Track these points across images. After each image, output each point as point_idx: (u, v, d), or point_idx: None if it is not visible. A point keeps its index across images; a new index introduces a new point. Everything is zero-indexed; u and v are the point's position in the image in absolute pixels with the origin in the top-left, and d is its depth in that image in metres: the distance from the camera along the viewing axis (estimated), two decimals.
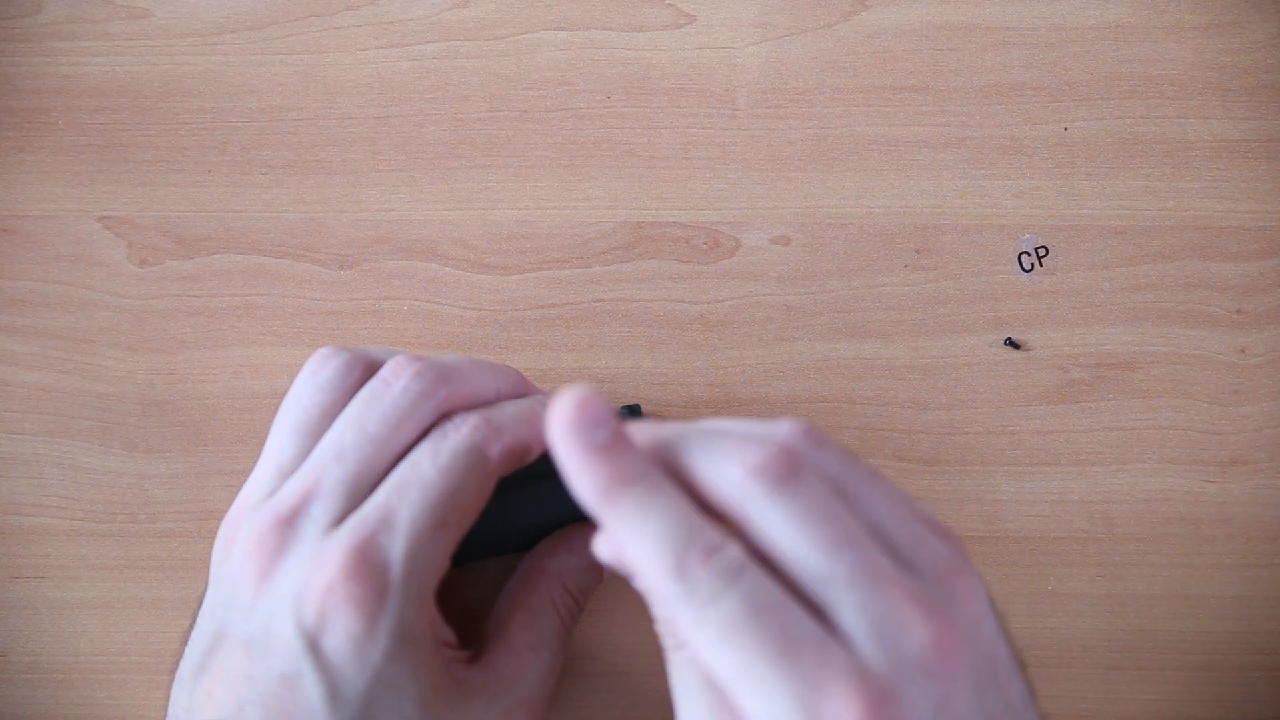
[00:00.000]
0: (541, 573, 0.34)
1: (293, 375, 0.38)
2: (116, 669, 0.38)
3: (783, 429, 0.26)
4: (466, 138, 0.38)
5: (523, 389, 0.34)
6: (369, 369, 0.32)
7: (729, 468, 0.25)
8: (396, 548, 0.29)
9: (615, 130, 0.38)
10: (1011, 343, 0.38)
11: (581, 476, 0.25)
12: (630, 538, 0.24)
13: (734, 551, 0.24)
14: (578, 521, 0.35)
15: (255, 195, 0.39)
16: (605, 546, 0.26)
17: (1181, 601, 0.38)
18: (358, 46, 0.39)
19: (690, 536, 0.24)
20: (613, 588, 0.38)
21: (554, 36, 0.38)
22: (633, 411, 0.37)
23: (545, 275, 0.38)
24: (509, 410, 0.32)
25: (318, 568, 0.28)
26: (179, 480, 0.38)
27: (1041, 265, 0.38)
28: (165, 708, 0.31)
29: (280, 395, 0.38)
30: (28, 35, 0.39)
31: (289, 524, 0.29)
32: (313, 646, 0.28)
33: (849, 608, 0.24)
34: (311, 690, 0.28)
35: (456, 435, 0.31)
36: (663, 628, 0.26)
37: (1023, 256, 0.38)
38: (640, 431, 0.26)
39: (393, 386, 0.31)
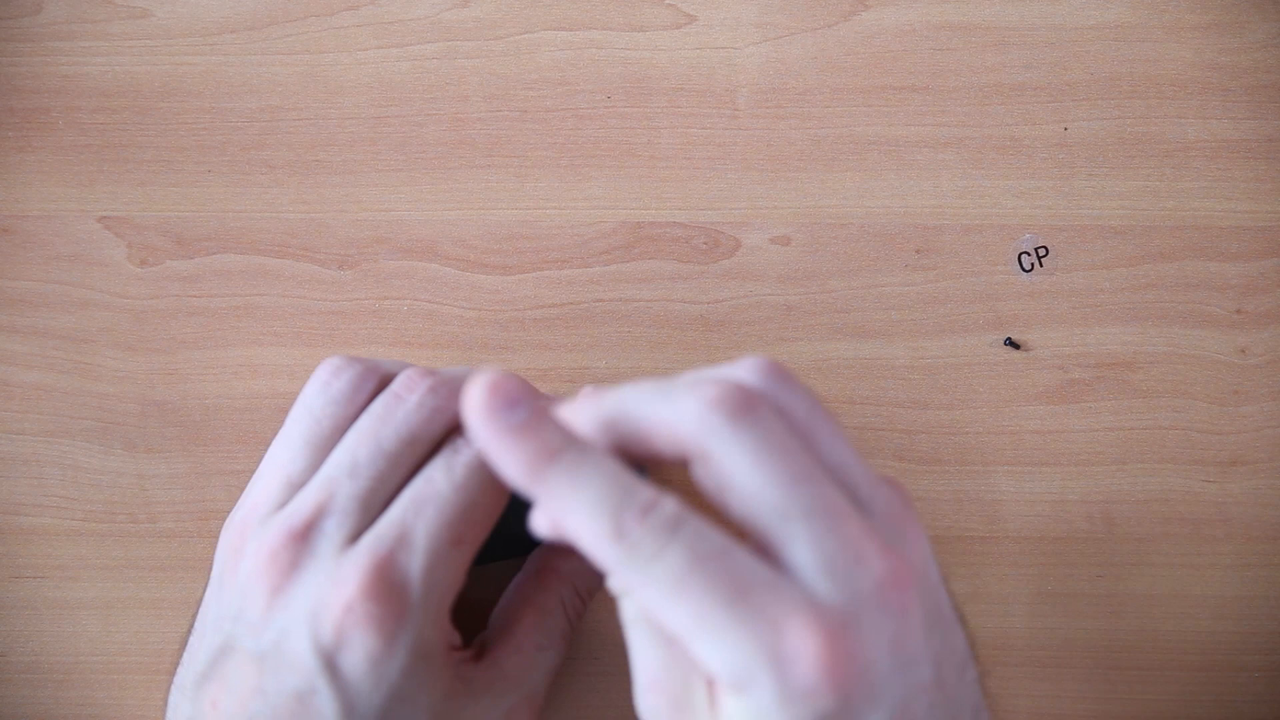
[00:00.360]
0: (554, 573, 0.34)
1: (293, 375, 0.38)
2: (116, 669, 0.38)
3: (745, 364, 0.26)
4: (466, 138, 0.38)
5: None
6: (382, 382, 0.32)
7: (687, 404, 0.25)
8: (415, 566, 0.29)
9: (615, 130, 0.38)
10: (1011, 343, 0.38)
11: (504, 458, 0.25)
12: (564, 509, 0.24)
13: (670, 505, 0.24)
14: None
15: (255, 195, 0.39)
16: (542, 520, 0.26)
17: (1181, 601, 0.38)
18: (358, 46, 0.39)
19: (624, 497, 0.24)
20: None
21: (554, 36, 0.38)
22: None
23: (545, 275, 0.38)
24: None
25: (336, 586, 0.28)
26: (179, 480, 0.38)
27: (1041, 265, 0.38)
28: (164, 713, 0.31)
29: (280, 395, 0.38)
30: (28, 35, 0.39)
31: (302, 539, 0.29)
32: (329, 664, 0.28)
33: (805, 542, 0.24)
34: (326, 707, 0.28)
35: (470, 450, 0.30)
36: (609, 579, 0.26)
37: (1023, 256, 0.38)
38: (587, 406, 0.27)
39: (406, 401, 0.31)
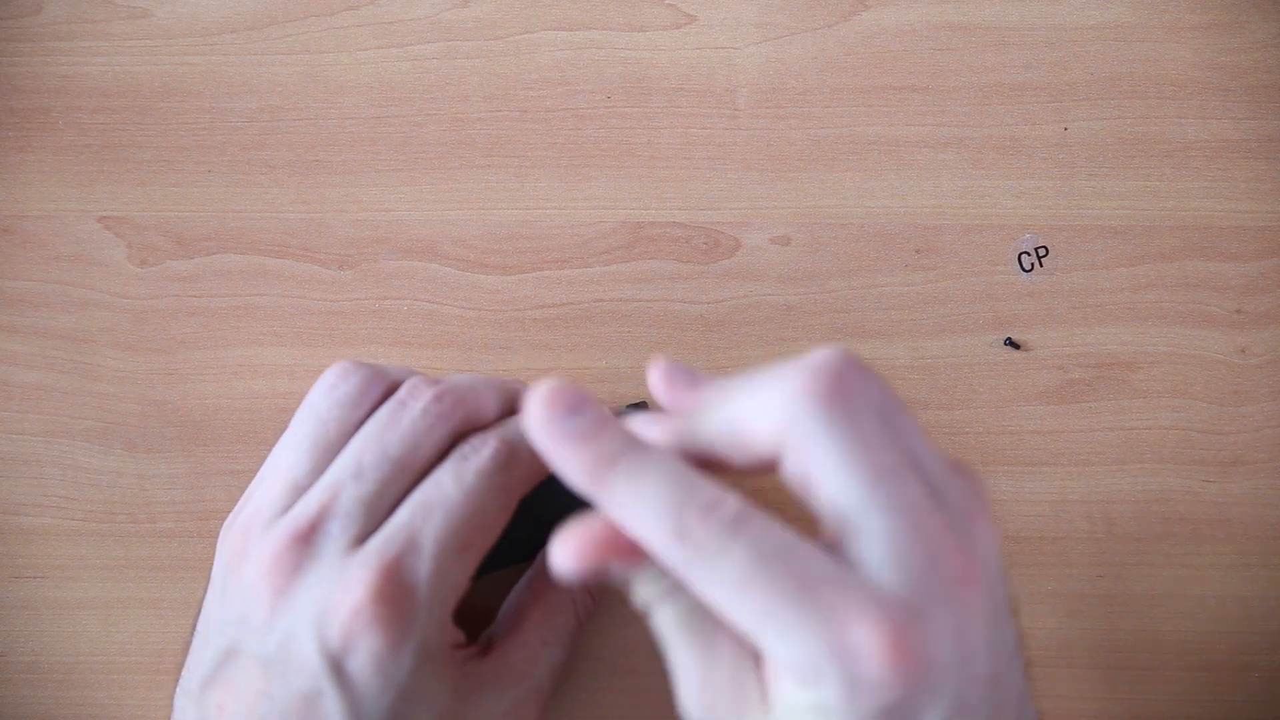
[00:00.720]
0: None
1: (293, 375, 0.38)
2: (116, 669, 0.38)
3: (825, 354, 0.26)
4: (466, 138, 0.38)
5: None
6: (388, 388, 0.32)
7: (775, 393, 0.25)
8: (423, 570, 0.29)
9: (615, 130, 0.38)
10: (1011, 343, 0.38)
11: (568, 466, 0.25)
12: (627, 513, 0.25)
13: (733, 502, 0.24)
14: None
15: (255, 195, 0.39)
16: (565, 559, 0.25)
17: (1181, 601, 0.38)
18: (358, 46, 0.39)
19: (685, 496, 0.24)
20: (611, 588, 0.38)
21: (554, 36, 0.38)
22: (639, 409, 0.36)
23: (545, 275, 0.38)
24: (524, 428, 0.32)
25: (343, 589, 0.28)
26: (179, 480, 0.38)
27: (1041, 265, 0.38)
28: (168, 716, 0.31)
29: (280, 395, 0.38)
30: (28, 35, 0.39)
31: (306, 542, 0.29)
32: (336, 667, 0.28)
33: (881, 535, 0.24)
34: (333, 710, 0.28)
35: (478, 457, 0.31)
36: (641, 585, 0.26)
37: (1023, 256, 0.38)
38: (666, 420, 0.27)
39: (411, 408, 0.31)
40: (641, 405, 0.37)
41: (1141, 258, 0.38)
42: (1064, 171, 0.38)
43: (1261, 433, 0.38)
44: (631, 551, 0.25)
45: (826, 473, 0.24)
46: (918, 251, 0.38)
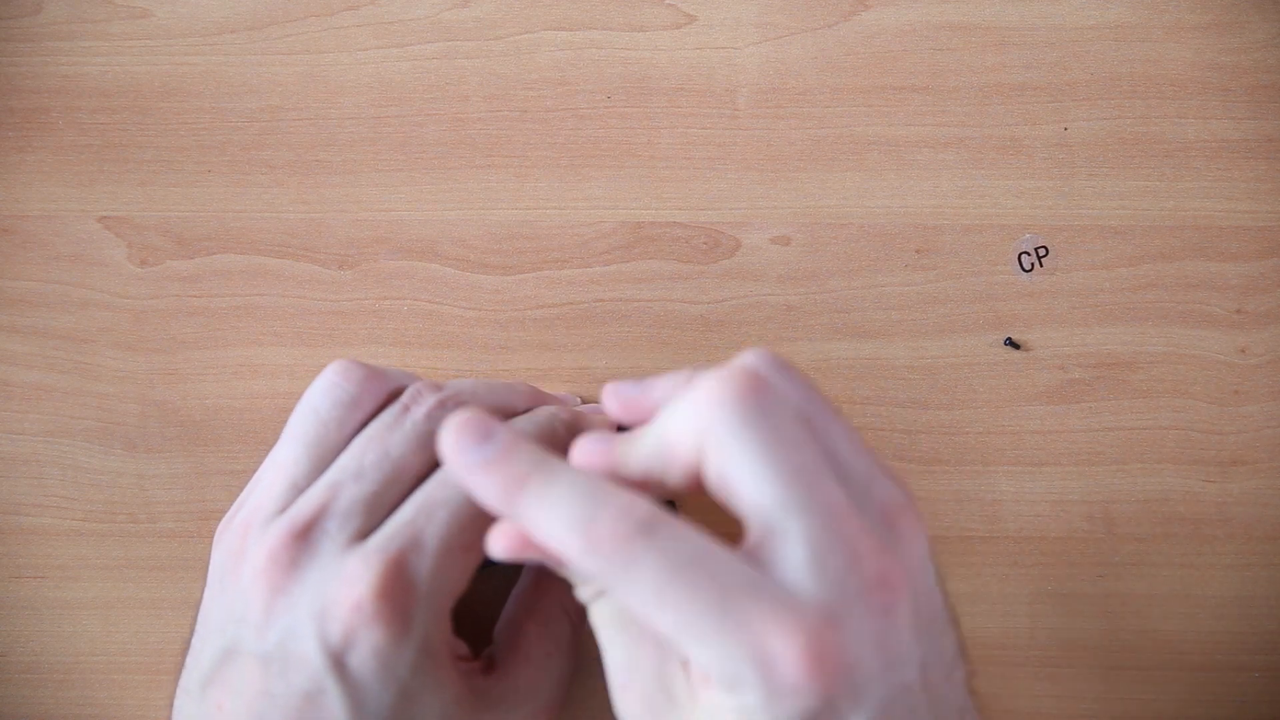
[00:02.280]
0: (552, 578, 0.34)
1: (293, 375, 0.38)
2: (116, 669, 0.38)
3: (744, 357, 0.26)
4: (466, 138, 0.38)
5: (537, 401, 0.34)
6: (390, 391, 0.32)
7: (689, 403, 0.25)
8: (424, 568, 0.29)
9: (615, 130, 0.38)
10: (1011, 343, 0.38)
11: (483, 493, 0.26)
12: (539, 530, 0.25)
13: (641, 508, 0.24)
14: None
15: (255, 195, 0.39)
16: (496, 543, 0.26)
17: (1181, 601, 0.38)
18: (358, 46, 0.39)
19: (594, 508, 0.24)
20: None
21: (554, 36, 0.38)
22: None
23: (545, 275, 0.38)
24: (529, 431, 0.32)
25: (344, 584, 0.28)
26: (179, 480, 0.38)
27: (1041, 265, 0.38)
28: (168, 716, 0.31)
29: (280, 395, 0.38)
30: (28, 35, 0.39)
31: (304, 539, 0.29)
32: (337, 664, 0.28)
33: (798, 538, 0.24)
34: (335, 707, 0.28)
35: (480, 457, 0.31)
36: (577, 586, 0.27)
37: (1023, 256, 0.38)
38: (593, 451, 0.27)
39: (415, 412, 0.31)
40: None
41: (1141, 258, 0.38)
42: (1064, 171, 0.38)
43: (1261, 433, 0.38)
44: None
45: (743, 475, 0.25)
46: (918, 251, 0.38)
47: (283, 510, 0.30)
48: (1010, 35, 0.38)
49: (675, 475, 0.26)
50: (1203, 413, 0.38)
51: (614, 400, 0.30)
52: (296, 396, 0.38)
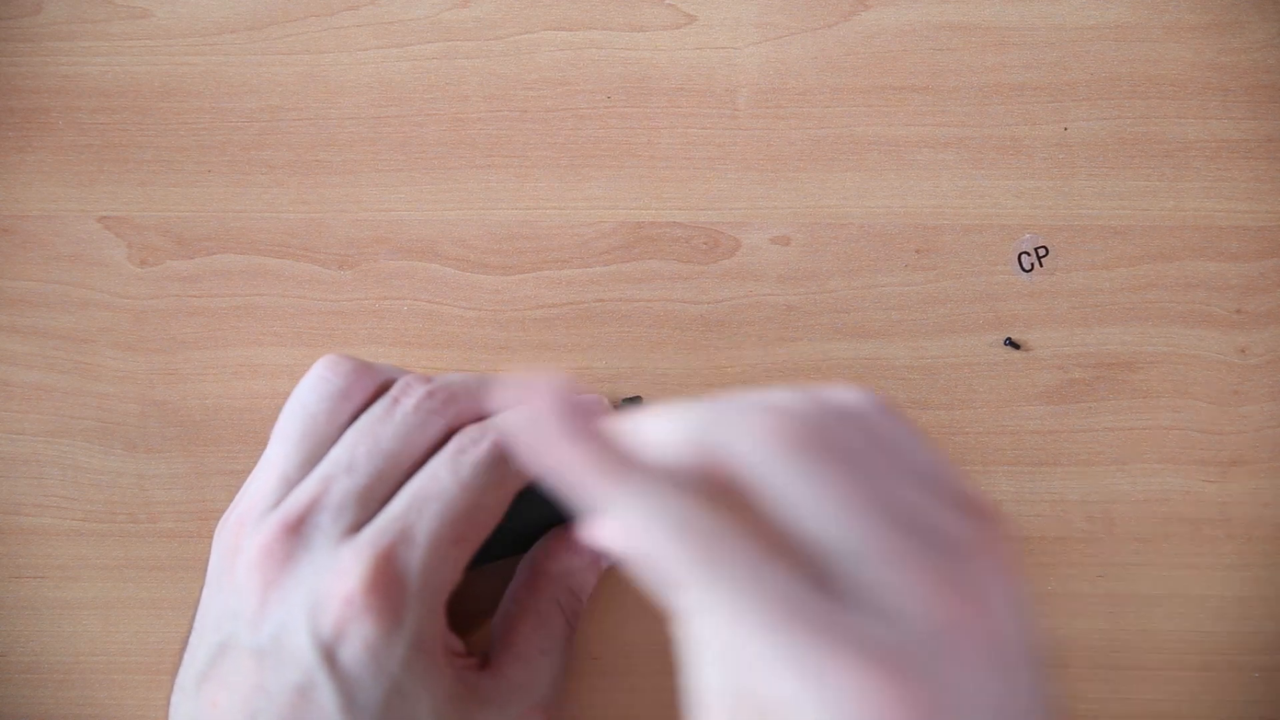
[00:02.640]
0: (545, 575, 0.34)
1: (293, 375, 0.38)
2: (116, 669, 0.38)
3: (826, 392, 0.26)
4: (466, 138, 0.38)
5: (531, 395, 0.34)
6: (380, 384, 0.32)
7: (746, 434, 0.24)
8: (415, 561, 0.29)
9: (615, 130, 0.38)
10: (1011, 343, 0.38)
11: (577, 464, 0.24)
12: (642, 524, 0.24)
13: (745, 537, 0.24)
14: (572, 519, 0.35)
15: (255, 195, 0.39)
16: (611, 533, 0.25)
17: (1181, 601, 0.38)
18: (358, 46, 0.39)
19: (708, 520, 0.24)
20: (612, 587, 0.38)
21: (554, 36, 0.38)
22: (634, 403, 0.37)
23: (545, 275, 0.38)
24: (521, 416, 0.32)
25: (336, 578, 0.28)
26: (179, 480, 0.38)
27: (1041, 265, 0.38)
28: (166, 714, 0.31)
29: (280, 395, 0.38)
30: (28, 35, 0.39)
31: (296, 532, 0.29)
32: (329, 657, 0.28)
33: (871, 581, 0.23)
34: (327, 700, 0.28)
35: (475, 450, 0.31)
36: (675, 594, 0.26)
37: (1023, 256, 0.38)
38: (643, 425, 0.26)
39: (404, 404, 0.31)
40: (636, 399, 0.37)
41: (1141, 258, 0.38)
42: (1064, 171, 0.38)
43: (1261, 433, 0.38)
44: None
45: (803, 515, 0.24)
46: (918, 251, 0.38)
47: (276, 505, 0.30)
48: (1010, 35, 0.38)
49: (697, 474, 0.25)
50: (1203, 413, 0.38)
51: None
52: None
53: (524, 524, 0.35)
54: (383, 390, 0.32)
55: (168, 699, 0.32)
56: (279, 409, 0.35)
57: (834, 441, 0.24)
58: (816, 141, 0.38)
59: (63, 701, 0.38)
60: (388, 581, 0.28)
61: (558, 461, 0.25)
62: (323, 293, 0.38)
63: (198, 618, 0.31)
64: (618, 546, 0.25)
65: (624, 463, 0.24)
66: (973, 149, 0.38)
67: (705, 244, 0.38)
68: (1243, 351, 0.38)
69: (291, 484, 0.30)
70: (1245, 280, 0.38)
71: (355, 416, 0.32)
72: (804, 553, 0.24)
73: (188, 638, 0.32)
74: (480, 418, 0.32)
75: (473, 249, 0.38)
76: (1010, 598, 0.25)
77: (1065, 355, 0.38)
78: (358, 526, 0.29)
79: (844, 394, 0.26)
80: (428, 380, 0.32)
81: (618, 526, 0.25)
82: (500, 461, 0.31)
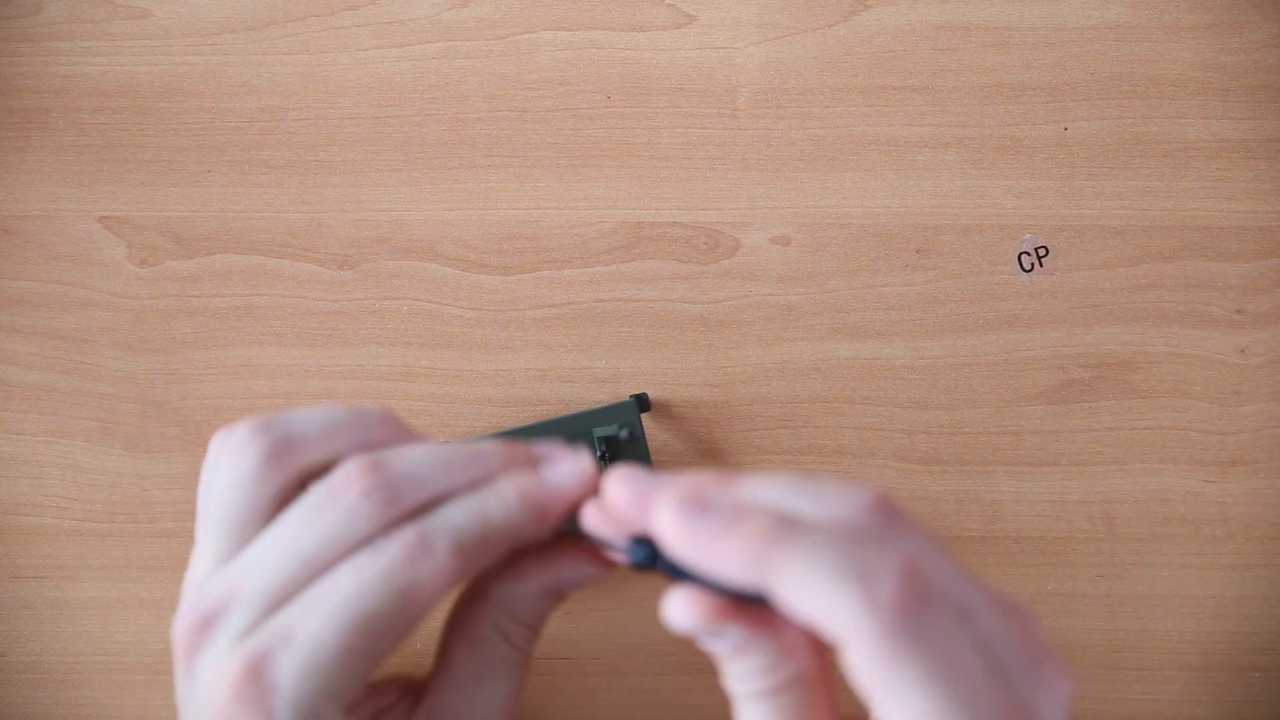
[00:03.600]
0: (484, 599, 0.32)
1: (293, 375, 0.38)
2: (116, 669, 0.38)
3: (851, 501, 0.25)
4: (466, 138, 0.38)
5: (496, 465, 0.30)
6: (304, 468, 0.29)
7: (847, 590, 0.23)
8: (290, 668, 0.27)
9: (615, 130, 0.38)
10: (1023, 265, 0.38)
11: (729, 563, 0.24)
12: (800, 588, 0.23)
13: (924, 579, 0.23)
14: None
15: (255, 195, 0.39)
16: (679, 612, 0.24)
17: (1181, 601, 0.38)
18: (358, 46, 0.39)
19: (870, 566, 0.23)
20: (612, 587, 0.38)
21: (554, 36, 0.38)
22: (639, 400, 0.37)
23: (545, 275, 0.38)
24: (456, 519, 0.29)
25: (213, 685, 0.27)
26: (179, 480, 0.38)
27: (1041, 265, 0.38)
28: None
29: (280, 395, 0.38)
30: (28, 35, 0.39)
31: (206, 627, 0.28)
32: None
33: None
34: None
35: (385, 557, 0.28)
36: (742, 677, 0.25)
37: (1023, 256, 0.38)
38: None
39: (339, 502, 0.28)
40: (642, 396, 0.37)
41: (1141, 258, 0.38)
42: (1064, 171, 0.38)
43: (1261, 433, 0.38)
44: (758, 619, 0.24)
45: (909, 702, 0.23)
46: (918, 251, 0.38)
47: (203, 583, 0.29)
48: (1010, 35, 0.38)
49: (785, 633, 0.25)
50: (1203, 413, 0.38)
51: (624, 491, 0.27)
52: (296, 396, 0.38)
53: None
54: (308, 472, 0.29)
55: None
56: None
57: (938, 609, 0.24)
58: (816, 141, 0.38)
59: (63, 701, 0.38)
60: (254, 691, 0.27)
61: (713, 567, 0.24)
62: (323, 293, 0.38)
63: None
64: (713, 626, 0.25)
65: (766, 534, 0.24)
66: (973, 149, 0.38)
67: (705, 244, 0.38)
68: (1243, 351, 0.38)
69: (221, 562, 0.29)
70: (1245, 280, 0.38)
71: (279, 495, 0.29)
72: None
73: None
74: (438, 494, 0.29)
75: (473, 249, 0.38)
76: (1068, 709, 0.25)
77: (1065, 355, 0.38)
78: (254, 626, 0.28)
79: (865, 506, 0.25)
80: (372, 471, 0.28)
81: (788, 589, 0.24)
82: (412, 573, 0.28)
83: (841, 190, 0.38)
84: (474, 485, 0.29)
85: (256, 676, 0.27)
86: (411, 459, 0.29)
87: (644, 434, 0.36)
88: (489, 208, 0.38)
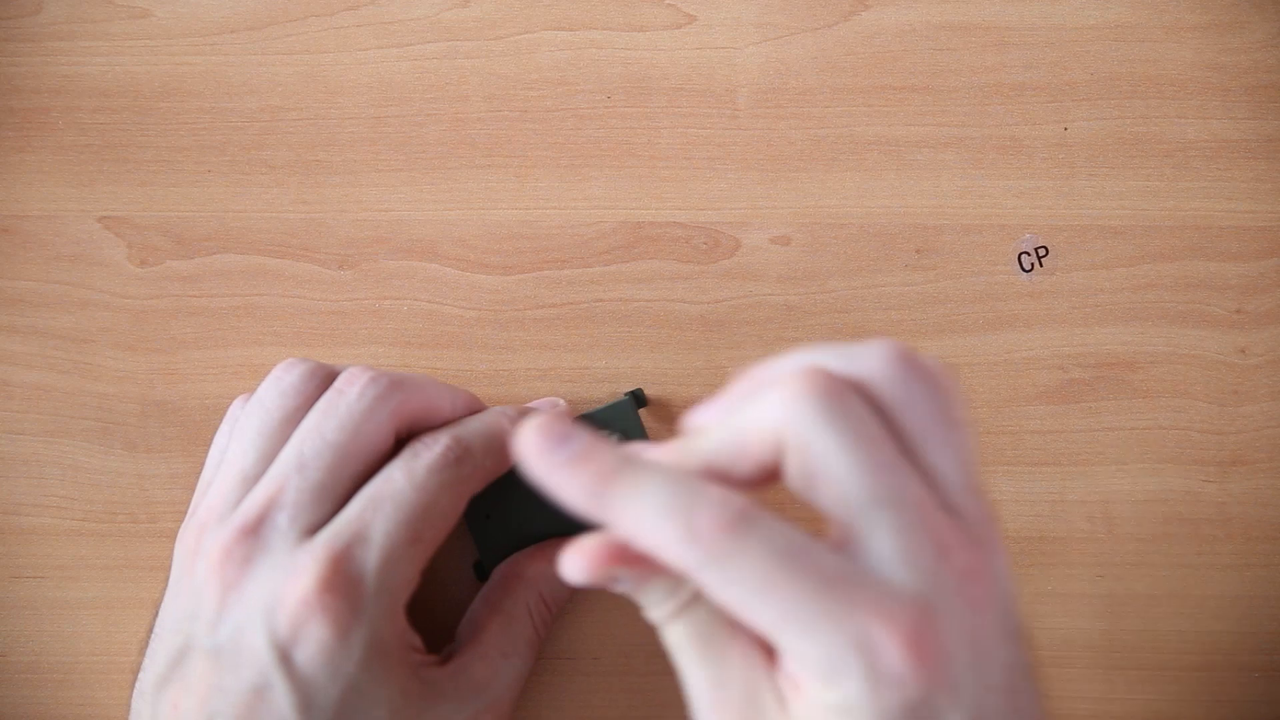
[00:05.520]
0: (519, 579, 0.35)
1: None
2: (116, 669, 0.38)
3: (872, 349, 0.26)
4: (466, 138, 0.38)
5: (477, 407, 0.35)
6: (330, 379, 0.33)
7: (773, 399, 0.25)
8: (371, 561, 0.29)
9: (615, 130, 0.38)
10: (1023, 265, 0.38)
11: (569, 490, 0.25)
12: (634, 524, 0.24)
13: (739, 501, 0.24)
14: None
15: (255, 195, 0.39)
16: (572, 565, 0.26)
17: (1181, 601, 0.38)
18: (358, 46, 0.39)
19: (691, 499, 0.24)
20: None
21: (554, 36, 0.38)
22: (635, 396, 0.37)
23: (545, 275, 0.38)
24: (475, 428, 0.33)
25: (292, 579, 0.29)
26: (179, 480, 0.38)
27: (1041, 265, 0.38)
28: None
29: None
30: (28, 35, 0.39)
31: (254, 534, 0.29)
32: (285, 658, 0.28)
33: (889, 530, 0.24)
34: (283, 701, 0.28)
35: (429, 453, 0.31)
36: (651, 606, 0.26)
37: (1023, 256, 0.38)
38: (675, 446, 0.27)
39: (347, 394, 0.32)
40: (638, 392, 0.37)
41: (1141, 258, 0.38)
42: (1064, 171, 0.38)
43: (1261, 433, 0.38)
44: (639, 561, 0.25)
45: (826, 468, 0.24)
46: (918, 251, 0.38)
47: (236, 505, 0.30)
48: (1010, 35, 0.38)
49: (745, 468, 0.26)
50: (1203, 413, 0.38)
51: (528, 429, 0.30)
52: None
53: (556, 518, 0.35)
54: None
55: (128, 708, 0.31)
56: (237, 413, 0.35)
57: (855, 399, 0.25)
58: (816, 141, 0.38)
59: (63, 701, 0.38)
60: (343, 582, 0.29)
61: (559, 492, 0.25)
62: (323, 293, 0.38)
63: (158, 620, 0.31)
64: (600, 572, 0.26)
65: (605, 474, 0.25)
66: (973, 149, 0.38)
67: (705, 244, 0.38)
68: (1243, 351, 0.38)
69: (250, 482, 0.31)
70: (1245, 280, 0.38)
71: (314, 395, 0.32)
72: (832, 510, 0.25)
73: (147, 640, 0.32)
74: (427, 411, 0.33)
75: (473, 249, 0.38)
76: (1010, 572, 0.26)
77: (1065, 355, 0.38)
78: (315, 527, 0.30)
79: (881, 352, 0.26)
80: (371, 368, 0.33)
81: (622, 525, 0.25)
82: (455, 463, 0.32)
83: (841, 190, 0.38)
84: (468, 409, 0.34)
85: (342, 569, 0.29)
86: (402, 373, 0.33)
87: (645, 433, 0.36)
88: (489, 208, 0.38)
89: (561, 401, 0.36)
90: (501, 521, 0.36)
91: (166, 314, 0.39)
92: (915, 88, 0.38)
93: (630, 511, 0.24)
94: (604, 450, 0.25)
